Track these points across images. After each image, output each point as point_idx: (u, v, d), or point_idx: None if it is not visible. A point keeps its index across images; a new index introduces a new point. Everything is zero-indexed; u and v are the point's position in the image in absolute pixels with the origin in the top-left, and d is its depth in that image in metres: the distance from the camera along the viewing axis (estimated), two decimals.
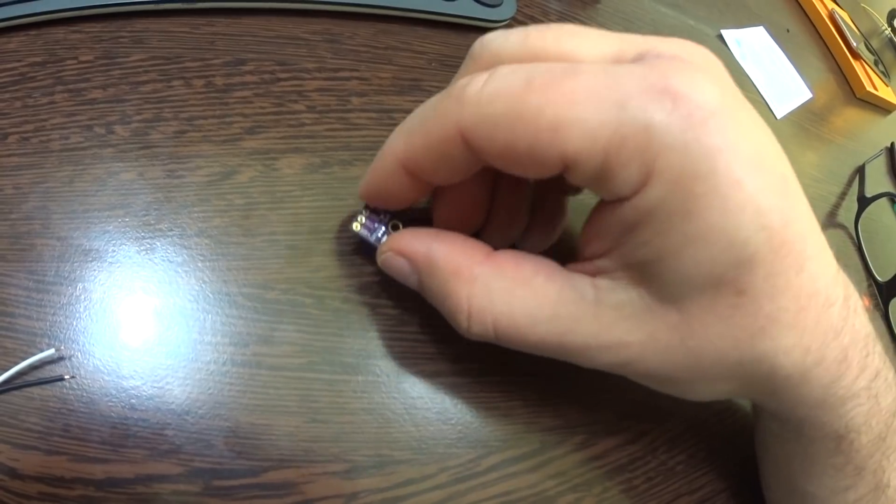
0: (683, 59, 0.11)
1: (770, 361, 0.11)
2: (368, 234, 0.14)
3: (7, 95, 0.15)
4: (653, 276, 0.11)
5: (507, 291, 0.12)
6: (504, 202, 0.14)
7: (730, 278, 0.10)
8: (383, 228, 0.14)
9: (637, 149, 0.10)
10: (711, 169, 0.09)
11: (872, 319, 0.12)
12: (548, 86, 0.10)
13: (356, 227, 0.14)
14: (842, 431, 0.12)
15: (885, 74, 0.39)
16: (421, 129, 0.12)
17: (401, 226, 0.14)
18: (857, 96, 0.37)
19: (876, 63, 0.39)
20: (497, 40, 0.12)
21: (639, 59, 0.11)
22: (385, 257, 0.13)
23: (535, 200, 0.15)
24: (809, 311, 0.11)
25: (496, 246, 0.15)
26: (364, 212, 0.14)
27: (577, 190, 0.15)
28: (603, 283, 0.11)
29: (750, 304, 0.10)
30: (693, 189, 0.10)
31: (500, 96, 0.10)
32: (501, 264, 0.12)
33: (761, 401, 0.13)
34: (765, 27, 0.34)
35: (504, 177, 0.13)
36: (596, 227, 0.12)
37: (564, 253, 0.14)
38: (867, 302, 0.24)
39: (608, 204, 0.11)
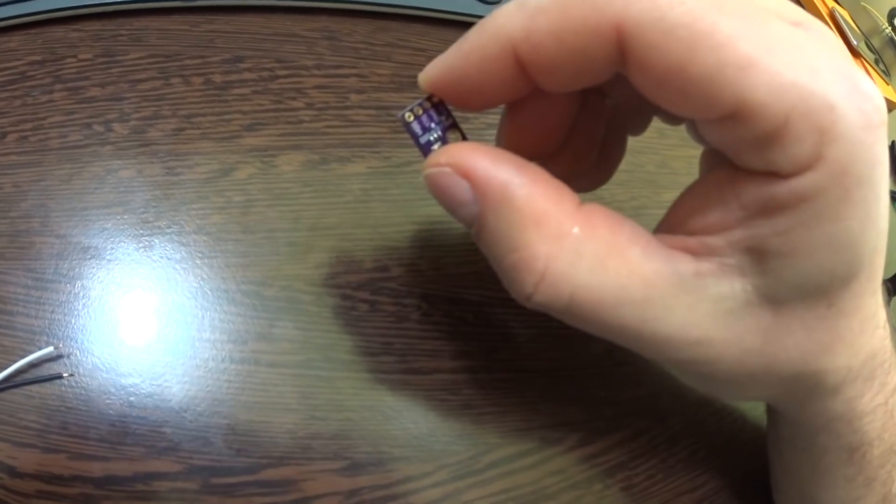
0: (842, 49, 0.10)
1: (821, 377, 0.11)
2: (419, 131, 0.11)
3: (6, 94, 0.15)
4: (770, 271, 0.09)
5: (598, 260, 0.09)
6: (584, 130, 0.12)
7: (832, 290, 0.10)
8: (440, 132, 0.11)
9: (817, 125, 0.08)
10: (870, 178, 0.09)
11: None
12: (743, 14, 0.08)
13: (409, 116, 0.11)
14: (855, 444, 0.12)
15: (886, 73, 0.39)
16: (560, 9, 0.09)
17: (462, 137, 0.11)
18: None
19: (876, 62, 0.39)
20: None
21: (802, 27, 0.09)
22: (438, 172, 0.10)
23: None
24: (865, 333, 0.11)
25: (557, 178, 0.13)
26: (423, 103, 0.11)
27: (641, 129, 0.14)
28: (707, 267, 0.10)
29: (833, 318, 0.10)
30: (852, 192, 0.09)
31: (686, 2, 0.08)
32: (596, 223, 0.10)
33: (785, 408, 0.13)
34: None
35: (591, 99, 0.11)
36: (720, 198, 0.10)
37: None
38: None
39: (751, 175, 0.09)
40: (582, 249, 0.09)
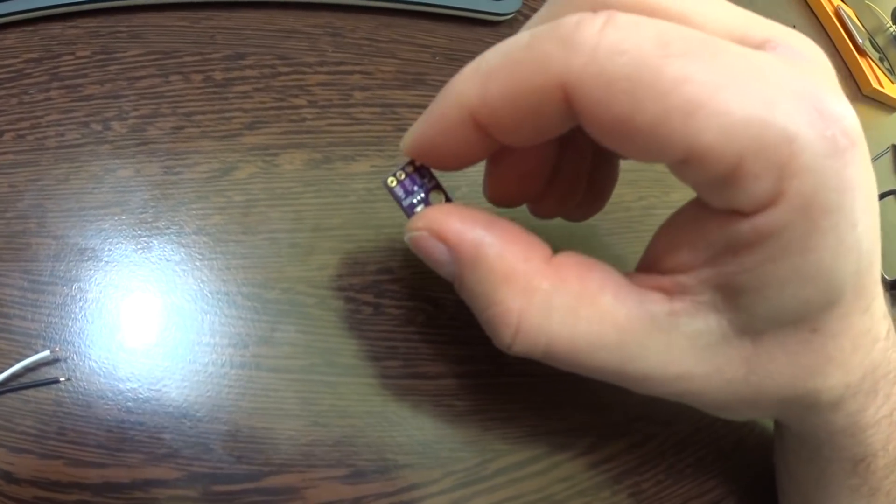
0: (821, 63, 0.09)
1: (814, 397, 0.11)
2: (402, 195, 0.11)
3: (3, 92, 0.15)
4: (742, 306, 0.10)
5: (569, 310, 0.10)
6: (568, 168, 0.12)
7: (812, 316, 0.10)
8: (423, 194, 0.12)
9: (775, 161, 0.08)
10: (839, 205, 0.08)
11: None
12: (689, 55, 0.08)
13: (391, 181, 0.11)
14: (860, 456, 0.12)
15: (891, 72, 0.39)
16: (507, 73, 0.09)
17: (445, 197, 0.12)
18: (863, 93, 0.37)
19: (881, 60, 0.39)
20: None
21: (768, 45, 0.09)
22: (417, 236, 0.11)
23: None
24: (860, 350, 0.10)
25: (548, 215, 0.13)
26: (406, 168, 0.11)
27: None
28: (681, 306, 0.10)
29: (818, 342, 0.10)
30: (819, 222, 0.08)
31: (626, 52, 0.08)
32: (565, 275, 0.10)
33: (787, 422, 0.13)
34: None
35: (572, 135, 0.11)
36: (689, 236, 0.10)
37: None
38: None
39: (716, 213, 0.09)
40: (552, 302, 0.10)
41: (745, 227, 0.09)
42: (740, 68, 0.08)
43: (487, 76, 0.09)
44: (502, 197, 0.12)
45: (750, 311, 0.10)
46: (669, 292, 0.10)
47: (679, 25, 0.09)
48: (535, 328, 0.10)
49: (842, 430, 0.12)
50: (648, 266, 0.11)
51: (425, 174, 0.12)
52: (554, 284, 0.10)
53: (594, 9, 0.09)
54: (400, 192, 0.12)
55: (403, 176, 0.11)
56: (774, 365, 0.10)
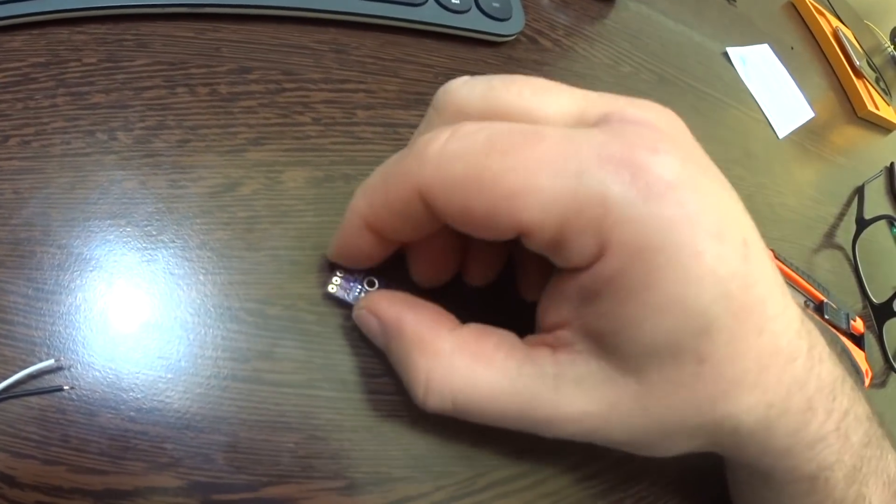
0: (648, 123, 0.11)
1: (733, 421, 0.11)
2: (345, 294, 0.14)
3: (8, 96, 0.15)
4: (612, 347, 0.11)
5: (467, 368, 0.12)
6: (479, 242, 0.14)
7: (690, 347, 0.10)
8: (359, 287, 0.14)
9: (593, 220, 0.10)
10: (670, 241, 0.09)
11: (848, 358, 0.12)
12: (508, 150, 0.10)
13: (332, 289, 0.14)
14: (814, 473, 0.12)
15: (886, 92, 0.39)
16: (382, 188, 0.12)
17: (376, 283, 0.14)
18: (859, 115, 0.37)
19: (877, 80, 0.39)
20: (461, 91, 0.12)
21: (603, 120, 0.11)
22: (359, 314, 0.14)
23: None
24: (771, 370, 0.11)
25: (481, 282, 0.15)
26: (337, 272, 0.14)
27: None
28: (563, 357, 0.11)
29: (711, 370, 0.11)
30: (651, 261, 0.10)
31: (460, 157, 0.10)
32: (464, 339, 0.12)
33: (728, 453, 0.13)
34: (769, 45, 0.34)
35: None
36: (554, 297, 0.12)
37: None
38: (861, 326, 0.24)
39: (566, 273, 0.11)
40: (453, 362, 0.12)
41: (587, 278, 0.10)
42: (554, 150, 0.10)
43: (372, 191, 0.12)
44: (425, 277, 0.14)
45: (619, 350, 0.11)
46: (553, 346, 0.12)
47: (510, 124, 0.10)
48: (440, 385, 0.12)
49: (787, 451, 0.12)
50: (538, 326, 0.13)
51: (355, 270, 0.14)
52: (454, 347, 0.12)
53: (452, 121, 0.11)
54: (342, 293, 0.14)
55: (339, 280, 0.14)
56: (670, 398, 0.11)
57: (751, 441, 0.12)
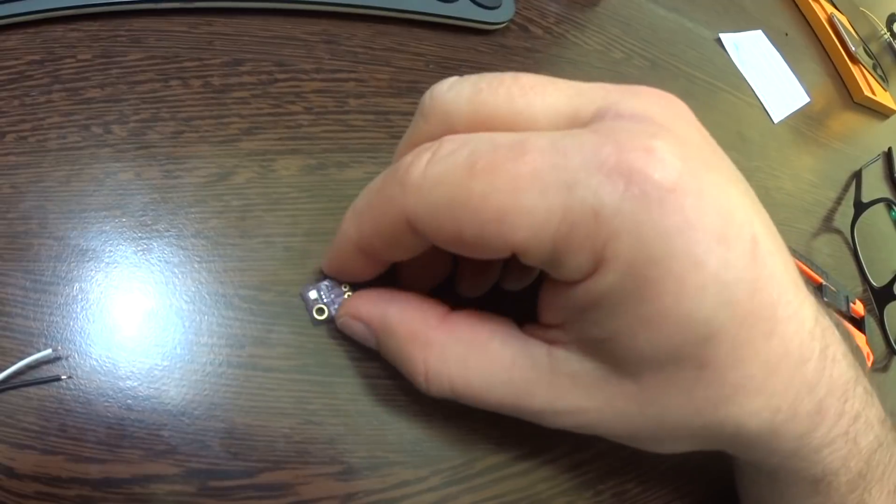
0: (645, 117, 0.10)
1: (735, 424, 0.11)
2: (332, 310, 0.14)
3: (5, 94, 0.15)
4: (608, 352, 0.11)
5: (461, 356, 0.12)
6: (469, 260, 0.14)
7: (690, 354, 0.10)
8: (343, 298, 0.14)
9: (586, 236, 0.09)
10: (667, 252, 0.09)
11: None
12: (491, 169, 0.09)
13: (319, 316, 0.14)
14: (819, 476, 0.12)
15: (883, 79, 0.39)
16: (369, 214, 0.12)
17: (352, 288, 0.14)
18: (855, 101, 0.37)
19: (874, 67, 0.39)
20: (447, 95, 0.11)
21: (597, 117, 0.10)
22: (342, 321, 0.13)
23: None
24: (780, 374, 0.10)
25: (472, 292, 0.15)
26: (324, 284, 0.14)
27: None
28: (559, 352, 0.11)
29: (713, 375, 0.10)
30: (646, 274, 0.09)
31: (442, 182, 0.10)
32: (457, 328, 0.12)
33: (733, 452, 0.13)
34: (763, 31, 0.34)
35: None
36: (549, 300, 0.11)
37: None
38: (861, 309, 0.24)
39: (561, 283, 0.11)
40: (447, 352, 0.12)
41: (581, 292, 0.10)
42: (541, 163, 0.09)
43: (359, 217, 0.12)
44: (413, 284, 0.14)
45: (614, 357, 0.10)
46: (550, 341, 0.11)
47: (494, 136, 0.10)
48: (437, 374, 0.12)
49: (793, 453, 0.12)
50: (537, 318, 0.12)
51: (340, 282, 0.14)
52: (447, 337, 0.12)
53: (441, 130, 0.11)
54: (329, 313, 0.14)
55: (323, 297, 0.14)
56: (668, 399, 0.11)
57: (756, 443, 0.12)
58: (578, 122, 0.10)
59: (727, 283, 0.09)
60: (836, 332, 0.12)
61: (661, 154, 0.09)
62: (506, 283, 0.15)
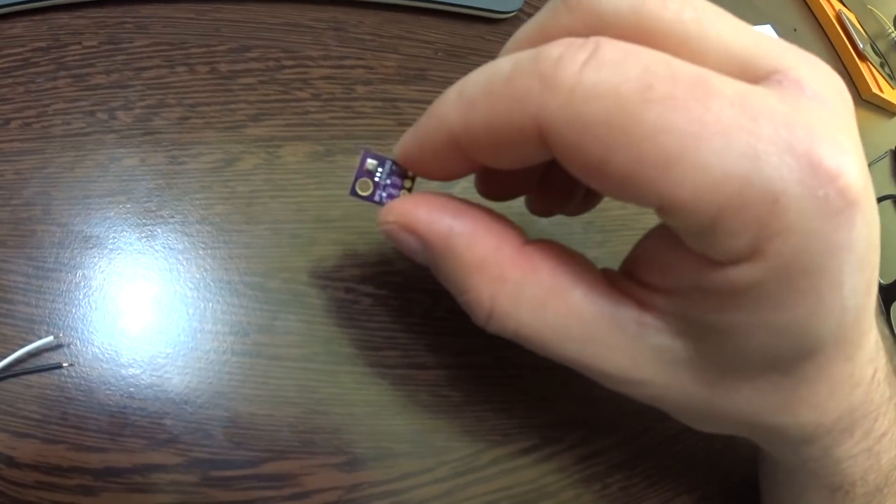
0: (826, 100, 0.09)
1: (782, 430, 0.11)
2: (377, 194, 0.11)
3: (10, 80, 0.15)
4: (709, 342, 0.10)
5: (538, 301, 0.10)
6: (560, 172, 0.12)
7: (787, 363, 0.10)
8: (400, 192, 0.11)
9: (755, 220, 0.08)
10: (822, 267, 0.08)
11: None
12: (671, 100, 0.08)
13: (361, 190, 0.11)
14: (837, 484, 0.12)
15: (891, 76, 0.39)
16: (486, 104, 0.09)
17: (412, 184, 0.11)
18: (863, 98, 0.37)
19: (882, 65, 0.39)
20: None
21: (773, 78, 0.09)
22: (389, 229, 0.11)
23: None
24: (837, 395, 0.10)
25: (545, 213, 0.13)
26: (389, 161, 0.11)
27: None
28: (651, 320, 0.10)
29: (790, 384, 0.10)
30: (796, 284, 0.08)
31: (604, 95, 0.08)
32: (537, 267, 0.10)
33: (760, 444, 0.13)
34: (772, 26, 0.34)
35: None
36: (665, 261, 0.10)
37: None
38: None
39: (690, 252, 0.09)
40: (521, 292, 0.10)
41: (718, 276, 0.09)
42: (729, 115, 0.08)
43: (469, 105, 0.09)
44: (492, 192, 0.12)
45: (717, 348, 0.09)
46: (641, 303, 0.10)
47: (670, 59, 0.08)
48: (505, 315, 0.10)
49: (816, 460, 0.12)
50: (627, 270, 0.10)
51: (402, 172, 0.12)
52: (524, 275, 0.10)
53: (588, 29, 0.09)
54: (375, 192, 0.12)
55: (371, 175, 0.11)
56: (741, 396, 0.10)
57: (788, 445, 0.12)
58: (750, 76, 0.09)
59: (848, 308, 0.09)
60: (884, 353, 0.12)
61: (851, 159, 0.08)
62: (566, 209, 0.13)
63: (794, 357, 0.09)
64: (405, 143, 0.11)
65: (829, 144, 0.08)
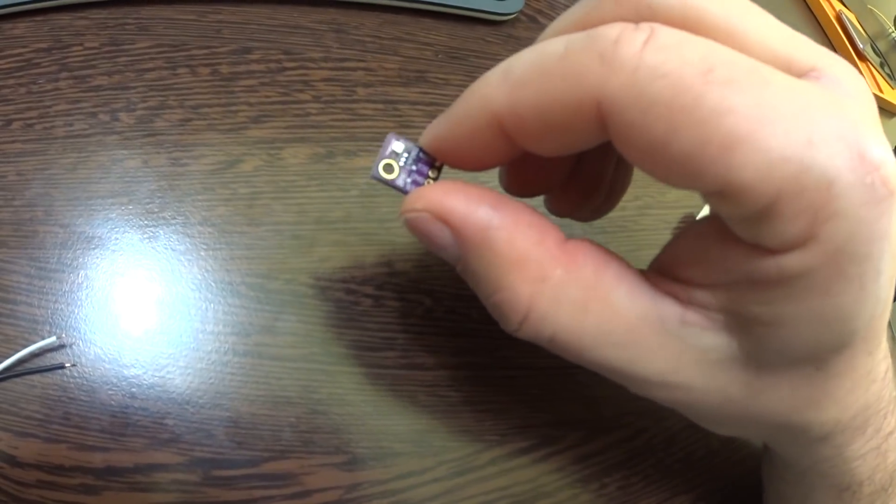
0: (860, 97, 0.09)
1: (806, 428, 0.11)
2: (403, 179, 0.10)
3: (12, 81, 0.15)
4: (755, 336, 0.09)
5: (580, 304, 0.09)
6: (591, 168, 0.12)
7: (821, 357, 0.10)
8: (426, 180, 0.11)
9: (812, 205, 0.08)
10: (868, 254, 0.08)
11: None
12: (733, 83, 0.08)
13: (386, 173, 0.10)
14: (845, 484, 0.12)
15: (891, 77, 0.39)
16: (539, 84, 0.09)
17: (438, 174, 0.11)
18: None
19: (882, 65, 0.39)
20: None
21: (811, 74, 0.09)
22: (416, 217, 0.10)
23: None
24: (857, 390, 0.10)
25: (564, 213, 0.13)
26: (416, 147, 0.10)
27: None
28: (695, 318, 0.09)
29: (820, 378, 0.10)
30: (846, 269, 0.08)
31: (667, 74, 0.08)
32: (580, 264, 0.09)
33: (774, 446, 0.13)
34: None
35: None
36: (710, 255, 0.09)
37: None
38: None
39: (741, 243, 0.09)
40: (563, 293, 0.09)
41: (770, 264, 0.08)
42: (785, 101, 0.08)
43: (519, 84, 0.09)
44: (518, 187, 0.12)
45: (762, 343, 0.09)
46: (683, 301, 0.10)
47: (725, 48, 0.08)
48: (542, 318, 0.09)
49: (827, 459, 0.12)
50: (662, 269, 0.10)
51: (430, 161, 0.11)
52: (568, 273, 0.09)
53: (636, 18, 0.09)
54: (400, 177, 0.10)
55: (404, 162, 0.10)
56: (776, 394, 0.10)
57: (802, 445, 0.12)
58: (793, 71, 0.09)
59: (881, 299, 0.09)
60: (888, 352, 0.12)
61: (889, 152, 0.08)
62: (582, 212, 0.13)
63: (833, 348, 0.09)
64: (436, 129, 0.10)
65: (872, 136, 0.08)
